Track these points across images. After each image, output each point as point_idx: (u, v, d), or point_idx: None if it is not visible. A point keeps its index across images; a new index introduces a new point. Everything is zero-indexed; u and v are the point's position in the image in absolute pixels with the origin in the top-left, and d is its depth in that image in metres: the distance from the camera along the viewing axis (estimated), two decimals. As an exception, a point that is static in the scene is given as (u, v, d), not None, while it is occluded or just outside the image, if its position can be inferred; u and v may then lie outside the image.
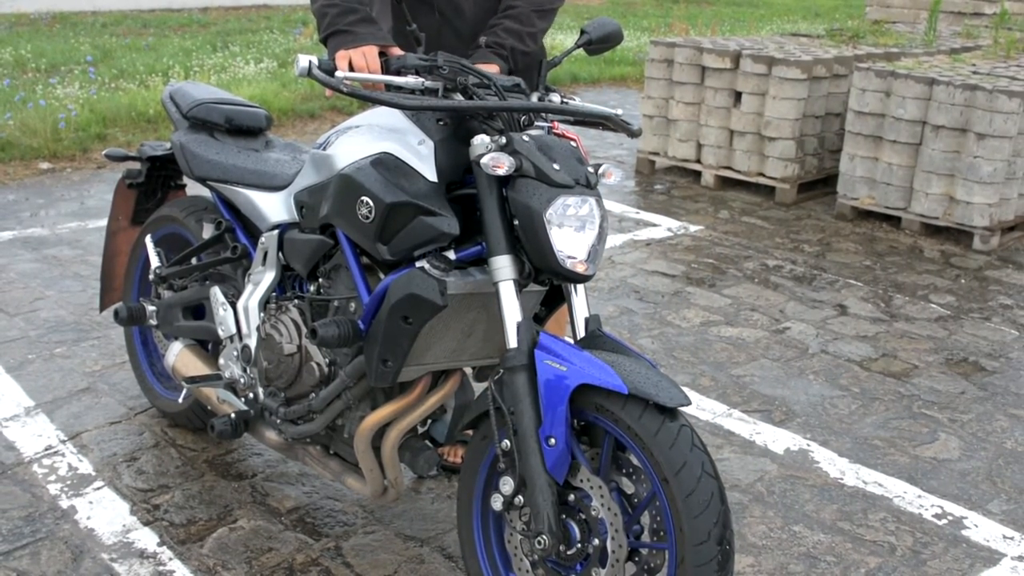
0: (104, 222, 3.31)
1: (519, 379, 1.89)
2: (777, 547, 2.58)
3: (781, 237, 5.30)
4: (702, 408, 3.30)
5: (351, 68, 2.18)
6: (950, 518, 2.74)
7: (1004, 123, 4.90)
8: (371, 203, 2.02)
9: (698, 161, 6.36)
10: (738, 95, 6.06)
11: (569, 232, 1.90)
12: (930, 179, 5.19)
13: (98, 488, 2.71)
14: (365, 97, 1.88)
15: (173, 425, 3.06)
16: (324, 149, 2.27)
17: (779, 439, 3.13)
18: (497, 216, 1.93)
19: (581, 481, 1.92)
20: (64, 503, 2.63)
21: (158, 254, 2.91)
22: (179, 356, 2.74)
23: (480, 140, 1.94)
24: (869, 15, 10.67)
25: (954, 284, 4.64)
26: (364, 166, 2.08)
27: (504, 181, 1.94)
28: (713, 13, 16.37)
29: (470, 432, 2.15)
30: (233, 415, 2.44)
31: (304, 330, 2.29)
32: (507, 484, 1.94)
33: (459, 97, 2.04)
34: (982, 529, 2.69)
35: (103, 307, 3.26)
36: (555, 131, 2.07)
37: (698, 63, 6.17)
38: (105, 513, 2.60)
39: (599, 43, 2.20)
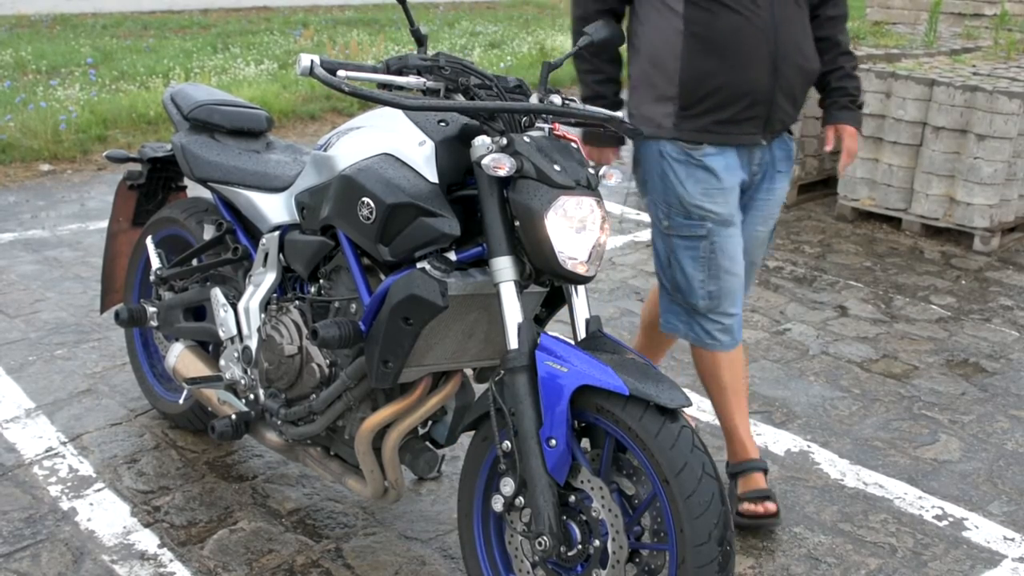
0: (105, 224, 3.31)
1: (520, 380, 1.89)
2: (778, 548, 2.57)
3: (781, 238, 5.30)
4: (703, 409, 3.30)
5: (597, 163, 2.39)
6: (951, 519, 2.74)
7: (1004, 124, 4.90)
8: (372, 204, 2.03)
9: (698, 162, 6.35)
10: (738, 96, 6.06)
11: (570, 233, 1.90)
12: (930, 180, 5.19)
13: (99, 490, 2.71)
14: (366, 97, 1.88)
15: (174, 427, 3.06)
16: (325, 150, 2.27)
17: (780, 440, 3.12)
18: (498, 217, 1.93)
19: (582, 482, 1.92)
20: (65, 505, 2.63)
21: (159, 255, 2.91)
22: (180, 357, 2.74)
23: (481, 141, 1.94)
24: (869, 16, 10.67)
25: (954, 285, 4.64)
26: (365, 167, 2.08)
27: (505, 182, 1.94)
28: (713, 15, 16.31)
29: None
30: (234, 416, 2.44)
31: (305, 331, 2.29)
32: (508, 485, 1.94)
33: (460, 98, 2.05)
34: (983, 530, 2.69)
35: (104, 308, 3.26)
36: (556, 132, 2.07)
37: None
38: (106, 515, 2.60)
39: (600, 45, 2.20)
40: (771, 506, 2.61)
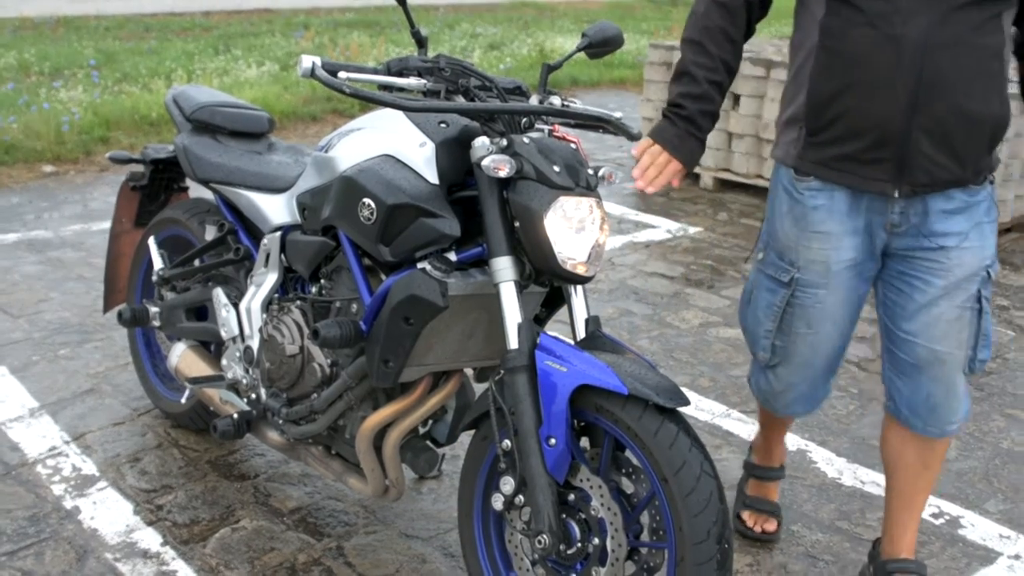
0: (107, 224, 3.34)
1: (520, 380, 1.90)
2: (776, 546, 2.59)
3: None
4: (701, 408, 3.32)
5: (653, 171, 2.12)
6: (947, 517, 2.75)
7: (1003, 126, 4.90)
8: (373, 205, 2.04)
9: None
10: (736, 98, 6.07)
11: (569, 233, 1.92)
12: (929, 181, 5.20)
13: (102, 488, 2.73)
14: (367, 98, 1.89)
15: (176, 426, 3.07)
16: (326, 151, 2.28)
17: (778, 440, 3.14)
18: (498, 218, 1.94)
19: (581, 481, 1.94)
20: (68, 503, 2.65)
21: (161, 256, 2.93)
22: (182, 357, 2.76)
23: (481, 142, 1.96)
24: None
25: (953, 286, 4.65)
26: (366, 168, 2.10)
27: (505, 183, 1.95)
28: (714, 16, 16.33)
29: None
30: (236, 416, 2.45)
31: (306, 331, 2.31)
32: (508, 484, 1.95)
33: (461, 99, 2.06)
34: (979, 528, 2.70)
35: (107, 309, 3.28)
36: (555, 134, 2.09)
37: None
38: (109, 513, 2.62)
39: (599, 47, 2.21)
40: (769, 526, 2.58)
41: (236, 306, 2.55)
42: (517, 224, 1.93)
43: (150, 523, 2.58)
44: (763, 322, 2.22)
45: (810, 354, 2.18)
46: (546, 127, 2.10)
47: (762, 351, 2.25)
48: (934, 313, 2.06)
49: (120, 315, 2.94)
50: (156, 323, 2.92)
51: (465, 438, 2.28)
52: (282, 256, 2.42)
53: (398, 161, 2.07)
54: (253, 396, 2.50)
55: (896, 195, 2.00)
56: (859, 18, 1.93)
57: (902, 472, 2.28)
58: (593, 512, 1.92)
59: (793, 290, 2.14)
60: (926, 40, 1.88)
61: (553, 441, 1.88)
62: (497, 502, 1.98)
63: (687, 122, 2.12)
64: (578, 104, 2.16)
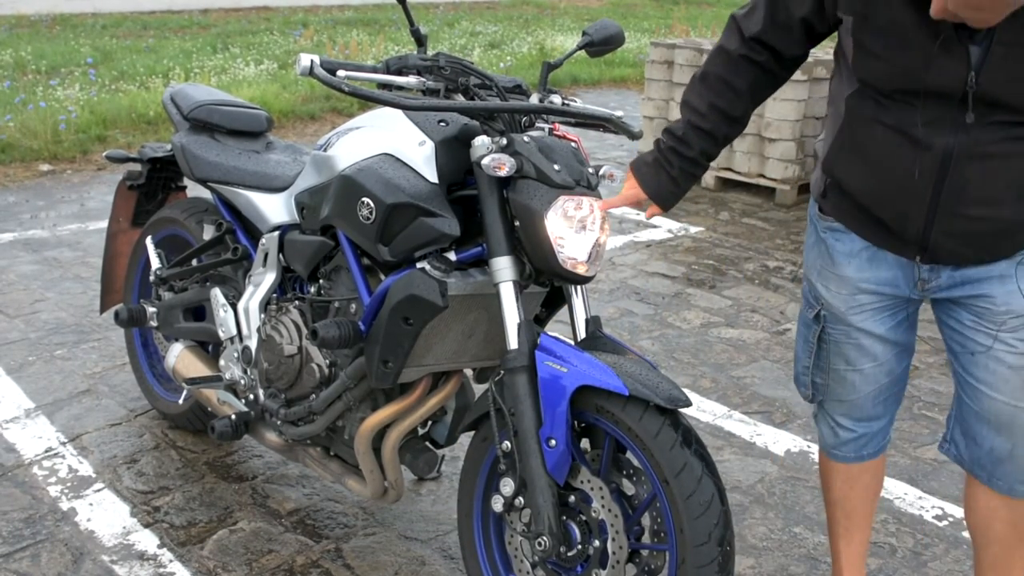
0: (105, 224, 3.33)
1: (520, 380, 1.89)
2: (778, 548, 2.57)
3: (781, 238, 5.31)
4: (703, 409, 3.30)
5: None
6: (951, 519, 2.74)
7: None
8: (372, 204, 2.03)
9: (698, 163, 6.35)
10: (738, 97, 6.06)
11: (570, 233, 1.90)
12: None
13: (98, 490, 2.71)
14: (366, 97, 1.88)
15: (173, 427, 3.06)
16: (325, 150, 2.27)
17: (780, 440, 3.13)
18: (498, 217, 1.93)
19: (582, 482, 1.92)
20: (64, 505, 2.63)
21: (159, 255, 2.92)
22: (179, 357, 2.75)
23: (481, 141, 1.94)
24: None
25: (954, 285, 4.64)
26: (365, 167, 2.08)
27: (505, 182, 1.94)
28: (714, 15, 16.41)
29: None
30: (233, 416, 2.44)
31: (305, 331, 2.29)
32: (507, 485, 1.94)
33: (460, 98, 2.05)
34: (983, 530, 2.69)
35: (103, 309, 3.27)
36: (556, 132, 2.07)
37: (698, 64, 6.17)
38: (105, 515, 2.60)
39: (600, 45, 2.20)
40: None
41: (234, 306, 2.54)
42: (517, 223, 1.92)
43: (147, 525, 2.56)
44: (801, 356, 2.12)
45: (851, 393, 2.04)
46: (546, 126, 2.09)
47: (802, 387, 2.14)
48: (993, 356, 1.84)
49: (117, 315, 2.93)
50: (153, 323, 2.91)
51: (465, 439, 2.27)
52: (280, 256, 2.41)
53: (397, 160, 2.06)
54: (251, 397, 2.48)
55: (918, 260, 1.84)
56: (885, 116, 1.75)
57: (995, 545, 1.98)
58: (594, 514, 1.91)
59: (823, 326, 2.02)
60: (953, 151, 1.69)
61: (553, 442, 1.87)
62: (497, 504, 1.97)
63: (661, 155, 2.04)
64: (579, 103, 2.15)
